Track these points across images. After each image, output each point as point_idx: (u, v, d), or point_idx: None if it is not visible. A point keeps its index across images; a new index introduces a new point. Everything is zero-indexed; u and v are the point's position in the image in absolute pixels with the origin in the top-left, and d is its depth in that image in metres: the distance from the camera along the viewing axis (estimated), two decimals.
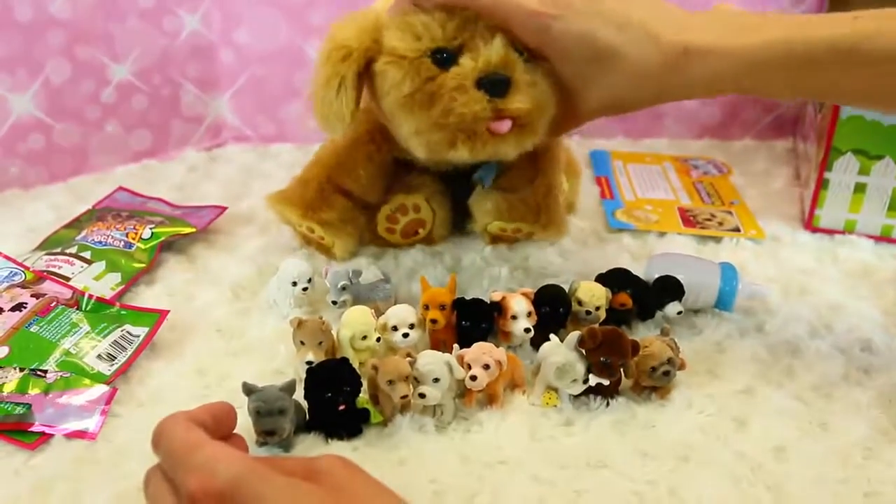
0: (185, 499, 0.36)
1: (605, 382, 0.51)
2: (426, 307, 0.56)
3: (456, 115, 0.56)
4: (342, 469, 0.38)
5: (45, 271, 0.64)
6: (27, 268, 0.64)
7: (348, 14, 0.60)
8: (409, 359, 0.49)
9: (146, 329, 0.58)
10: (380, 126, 0.67)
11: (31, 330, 0.56)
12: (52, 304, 0.58)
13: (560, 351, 0.52)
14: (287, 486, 0.35)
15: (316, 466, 0.38)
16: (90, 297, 0.61)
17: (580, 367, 0.51)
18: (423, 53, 0.57)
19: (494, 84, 0.56)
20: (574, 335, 0.52)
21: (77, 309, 0.59)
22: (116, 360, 0.55)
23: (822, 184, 0.76)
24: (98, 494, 0.45)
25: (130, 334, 0.57)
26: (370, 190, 0.70)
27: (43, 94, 0.84)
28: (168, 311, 0.60)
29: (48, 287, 0.62)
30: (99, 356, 0.55)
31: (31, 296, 0.59)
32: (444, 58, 0.57)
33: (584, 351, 0.51)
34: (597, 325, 0.54)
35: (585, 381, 0.51)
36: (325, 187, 0.69)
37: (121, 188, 0.83)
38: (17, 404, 0.51)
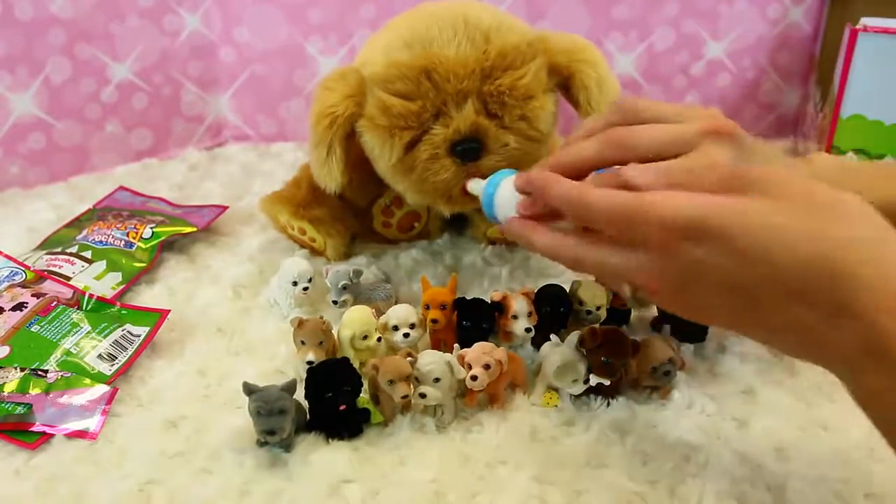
0: (649, 247, 0.37)
1: (606, 382, 0.51)
2: (427, 307, 0.56)
3: (430, 184, 0.60)
4: (799, 180, 0.37)
5: (45, 271, 0.64)
6: (28, 267, 0.64)
7: (335, 72, 0.62)
8: (409, 359, 0.49)
9: (147, 329, 0.58)
10: None
11: (32, 330, 0.56)
12: (53, 304, 0.58)
13: (561, 351, 0.51)
14: (745, 211, 0.35)
15: (761, 179, 0.37)
16: (91, 296, 0.61)
17: (581, 368, 0.51)
18: (401, 128, 0.59)
19: (466, 151, 0.58)
20: (575, 335, 0.52)
21: (78, 308, 0.59)
22: (117, 360, 0.55)
23: None
24: (99, 494, 0.45)
25: (131, 334, 0.57)
26: (361, 193, 0.71)
27: (43, 93, 0.85)
28: (169, 311, 0.60)
29: (49, 286, 0.62)
30: (100, 356, 0.55)
31: (32, 295, 0.59)
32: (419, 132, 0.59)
33: (584, 351, 0.51)
34: (597, 325, 0.54)
35: (586, 381, 0.51)
36: (316, 186, 0.70)
37: (121, 188, 0.83)
38: (18, 404, 0.51)
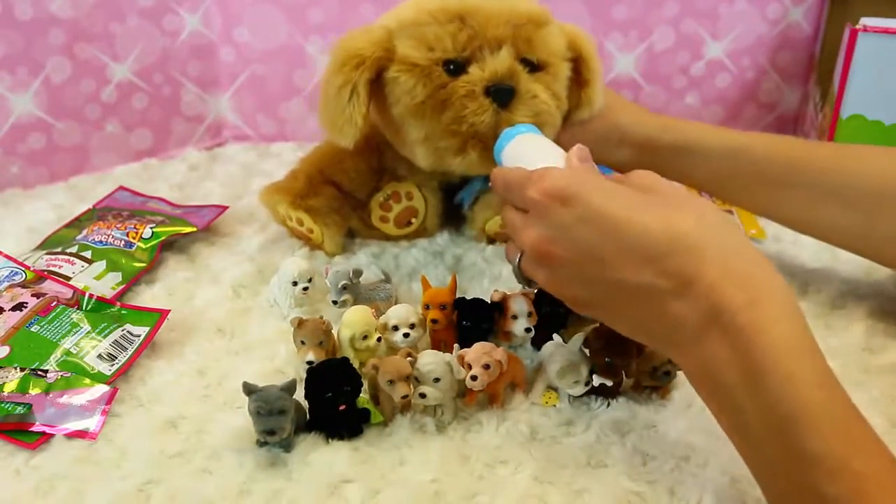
0: (531, 206, 0.46)
1: (609, 383, 0.51)
2: (427, 307, 0.56)
3: (467, 123, 0.59)
4: (647, 175, 0.46)
5: (45, 271, 0.64)
6: (28, 267, 0.64)
7: (355, 29, 0.63)
8: (409, 358, 0.49)
9: (147, 329, 0.58)
10: (374, 133, 0.68)
11: (32, 330, 0.56)
12: (53, 304, 0.58)
13: (564, 352, 0.52)
14: (605, 186, 0.44)
15: (630, 178, 0.46)
16: (91, 296, 0.61)
17: (583, 370, 0.51)
18: (435, 62, 0.60)
19: (500, 92, 0.59)
20: (579, 336, 0.52)
21: (78, 308, 0.59)
22: (117, 360, 0.55)
23: None
24: (99, 494, 0.45)
25: (131, 334, 0.57)
26: (358, 185, 0.72)
27: (43, 93, 0.85)
28: (169, 311, 0.60)
29: (49, 286, 0.62)
30: (99, 356, 0.55)
31: (32, 295, 0.59)
32: (454, 69, 0.60)
33: (588, 352, 0.51)
34: (600, 326, 0.54)
35: (587, 383, 0.51)
36: (314, 177, 0.71)
37: (121, 188, 0.83)
38: (18, 404, 0.51)
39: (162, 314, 0.60)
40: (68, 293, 0.61)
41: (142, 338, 0.57)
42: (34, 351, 0.54)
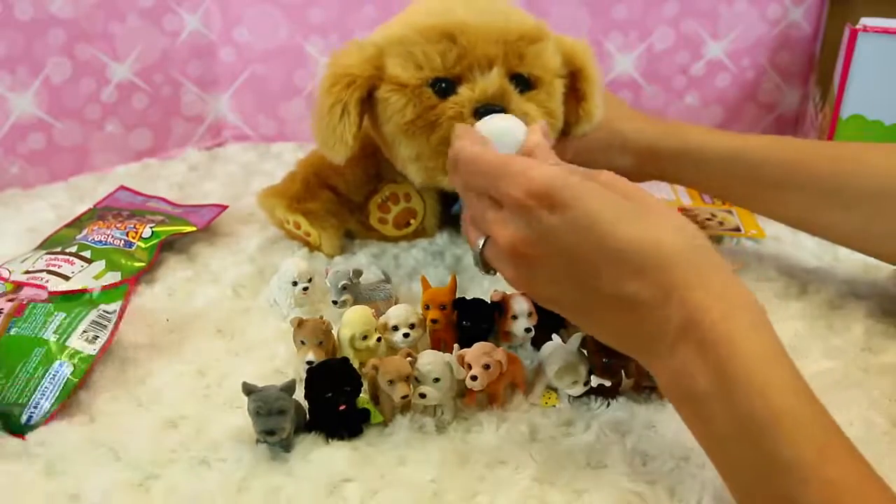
0: (509, 204, 0.44)
1: (607, 384, 0.51)
2: (427, 307, 0.56)
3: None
4: (616, 178, 0.45)
5: (45, 270, 0.64)
6: (5, 279, 0.63)
7: (349, 43, 0.62)
8: (409, 359, 0.49)
9: (119, 303, 0.57)
10: (371, 141, 0.68)
11: (12, 333, 0.54)
12: (25, 302, 0.57)
13: (562, 352, 0.51)
14: (593, 189, 0.43)
15: (599, 177, 0.44)
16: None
17: (582, 370, 0.51)
18: (424, 82, 0.59)
19: (489, 114, 0.57)
20: (578, 336, 0.52)
21: (48, 303, 0.58)
22: (99, 339, 0.54)
23: None
24: (98, 490, 0.45)
25: (106, 312, 0.56)
26: (355, 189, 0.72)
27: (43, 93, 0.85)
28: (135, 280, 0.60)
29: (25, 293, 0.60)
30: (81, 338, 0.54)
31: (7, 301, 0.58)
32: (444, 88, 0.59)
33: (586, 352, 0.51)
34: None
35: (586, 382, 0.51)
36: (311, 181, 0.71)
37: (122, 187, 0.83)
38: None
39: (129, 283, 0.60)
40: (43, 295, 0.60)
41: (116, 313, 0.57)
42: (17, 353, 0.53)
